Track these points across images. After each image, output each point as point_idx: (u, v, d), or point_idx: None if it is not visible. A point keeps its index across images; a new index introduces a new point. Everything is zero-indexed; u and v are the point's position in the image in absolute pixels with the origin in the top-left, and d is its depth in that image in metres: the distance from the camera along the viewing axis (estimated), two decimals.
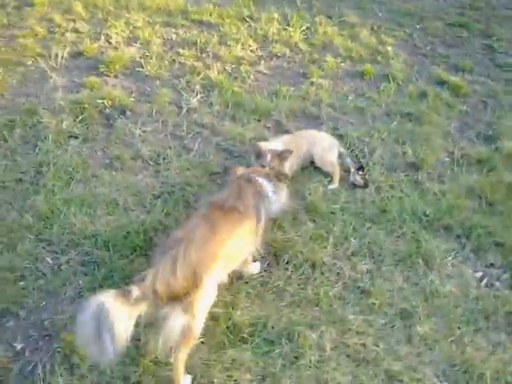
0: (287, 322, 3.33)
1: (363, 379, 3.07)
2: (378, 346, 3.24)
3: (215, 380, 3.02)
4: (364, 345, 3.24)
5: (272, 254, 3.75)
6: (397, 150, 4.67)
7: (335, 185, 4.31)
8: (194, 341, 2.91)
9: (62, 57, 5.69)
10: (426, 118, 5.07)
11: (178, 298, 2.73)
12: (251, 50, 6.02)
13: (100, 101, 5.04)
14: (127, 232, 3.82)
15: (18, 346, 3.15)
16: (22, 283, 3.51)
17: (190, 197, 4.16)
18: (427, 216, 4.05)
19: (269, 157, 3.95)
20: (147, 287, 2.65)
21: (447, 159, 4.64)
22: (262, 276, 3.63)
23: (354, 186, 4.31)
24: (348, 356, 3.19)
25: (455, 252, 3.85)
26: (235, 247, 3.12)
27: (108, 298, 2.50)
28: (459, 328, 3.36)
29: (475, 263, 3.80)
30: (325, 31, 6.42)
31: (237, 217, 3.13)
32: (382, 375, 3.10)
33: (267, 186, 3.50)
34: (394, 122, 5.03)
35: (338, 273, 3.66)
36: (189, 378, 2.98)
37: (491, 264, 3.80)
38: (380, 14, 6.76)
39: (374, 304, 3.46)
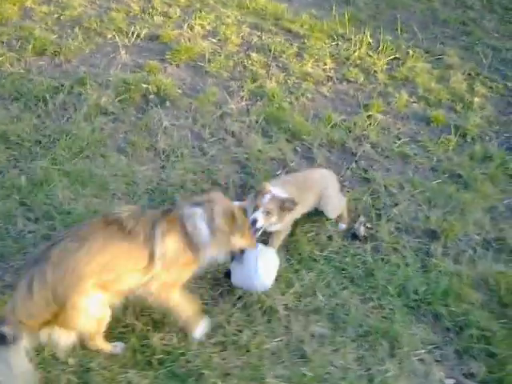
0: (203, 362, 3.00)
1: None
2: None
3: None
4: None
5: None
6: (421, 212, 4.04)
7: (345, 225, 3.89)
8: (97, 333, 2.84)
9: (139, 36, 5.77)
10: (476, 185, 4.33)
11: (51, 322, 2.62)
12: (324, 69, 5.65)
13: (146, 85, 5.03)
14: None
15: None
16: None
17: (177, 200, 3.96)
18: (417, 295, 3.44)
19: (267, 198, 3.45)
20: (11, 319, 2.56)
21: (477, 237, 3.91)
22: (207, 304, 3.33)
23: (354, 236, 3.80)
24: None
25: (434, 346, 3.22)
26: (109, 265, 2.71)
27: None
28: None
29: (453, 367, 3.15)
30: (413, 66, 5.81)
31: (118, 234, 2.74)
32: None
33: (204, 229, 2.91)
34: (436, 181, 4.37)
35: (286, 327, 3.25)
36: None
37: (471, 374, 3.12)
38: (485, 61, 5.96)
39: (305, 375, 2.99)
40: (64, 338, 2.71)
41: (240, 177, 4.23)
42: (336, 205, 3.86)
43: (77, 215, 3.76)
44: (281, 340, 3.17)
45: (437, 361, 3.14)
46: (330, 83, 5.47)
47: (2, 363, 2.51)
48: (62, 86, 5.02)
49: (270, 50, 5.82)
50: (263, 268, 3.16)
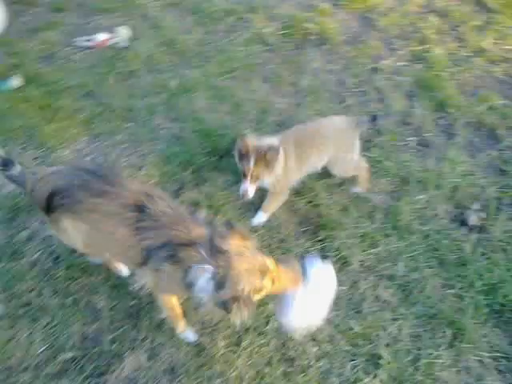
0: None
1: None
2: None
3: None
4: None
5: None
6: None
7: (361, 189, 3.64)
8: None
9: None
10: None
11: None
12: (503, 49, 5.12)
13: (311, 25, 5.09)
14: None
15: None
16: None
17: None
18: (506, 301, 3.13)
19: (252, 162, 3.11)
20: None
21: None
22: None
23: (462, 222, 3.54)
24: None
25: (502, 356, 2.93)
26: None
27: None
28: None
29: None
30: None
31: None
32: None
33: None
34: None
35: (354, 281, 3.22)
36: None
37: None
38: None
39: (352, 329, 2.98)
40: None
41: (367, 132, 4.15)
42: (345, 167, 3.50)
43: (206, 125, 4.06)
44: (343, 289, 3.16)
45: (498, 370, 2.89)
46: (504, 65, 4.97)
47: None
48: (236, 10, 5.30)
49: (451, 17, 5.44)
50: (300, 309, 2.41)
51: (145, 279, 2.48)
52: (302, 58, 4.81)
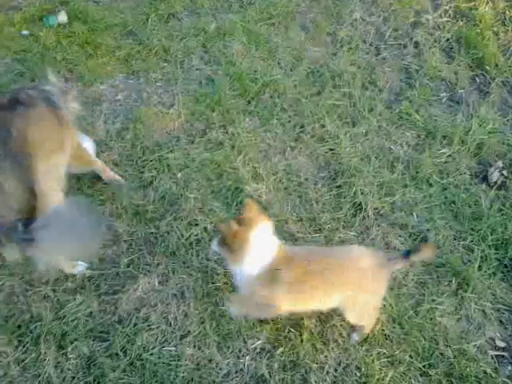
0: None
1: None
2: None
3: None
4: None
5: None
6: None
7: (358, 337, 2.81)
8: None
9: None
10: None
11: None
12: None
13: None
14: None
15: None
16: None
17: None
18: None
19: None
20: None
21: None
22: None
23: (483, 179, 3.52)
24: None
25: (506, 309, 2.97)
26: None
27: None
28: None
29: None
30: None
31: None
32: None
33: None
34: None
35: (367, 227, 3.28)
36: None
37: None
38: None
39: None
40: None
41: (400, 85, 4.12)
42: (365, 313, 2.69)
43: (240, 69, 4.14)
44: (354, 234, 3.23)
45: (500, 321, 2.92)
46: None
47: None
48: None
49: None
50: None
51: None
52: (343, 8, 4.75)
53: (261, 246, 2.44)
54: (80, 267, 2.98)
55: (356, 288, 2.50)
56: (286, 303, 2.56)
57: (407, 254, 2.53)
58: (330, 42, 4.51)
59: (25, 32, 4.44)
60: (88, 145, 3.32)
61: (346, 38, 4.49)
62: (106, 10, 4.73)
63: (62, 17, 4.53)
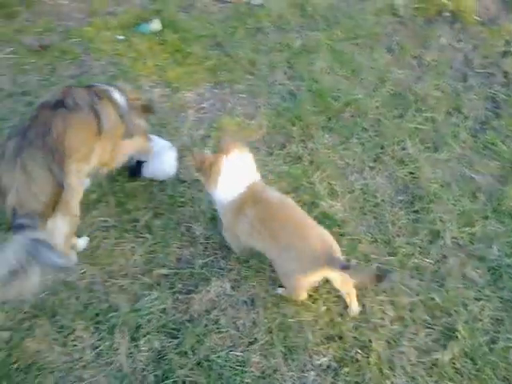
0: None
1: None
2: None
3: None
4: None
5: None
6: None
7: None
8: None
9: None
10: None
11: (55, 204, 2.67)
12: None
13: (447, 2, 4.97)
14: None
15: None
16: None
17: None
18: None
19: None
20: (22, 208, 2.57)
21: None
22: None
23: None
24: None
25: None
26: (78, 142, 2.82)
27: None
28: None
29: None
30: None
31: (67, 112, 2.80)
32: None
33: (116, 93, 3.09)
34: None
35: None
36: (84, 239, 3.16)
37: None
38: None
39: (433, 300, 3.00)
40: (66, 227, 2.79)
41: (486, 114, 4.03)
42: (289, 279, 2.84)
43: (322, 86, 4.20)
44: (430, 261, 3.16)
45: None
46: None
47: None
48: None
49: None
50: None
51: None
52: (431, 33, 4.73)
53: (233, 173, 2.67)
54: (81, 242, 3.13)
55: (300, 254, 2.62)
56: (245, 237, 2.82)
57: (343, 267, 2.57)
58: (415, 65, 4.49)
59: (120, 37, 4.69)
60: (170, 150, 3.46)
61: (432, 63, 4.46)
62: (196, 20, 4.91)
63: (156, 25, 4.74)
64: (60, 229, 2.74)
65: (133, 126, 3.19)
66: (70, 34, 4.74)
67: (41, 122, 2.71)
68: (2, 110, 3.95)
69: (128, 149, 3.25)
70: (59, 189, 2.65)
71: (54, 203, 2.64)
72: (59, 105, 2.81)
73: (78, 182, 2.84)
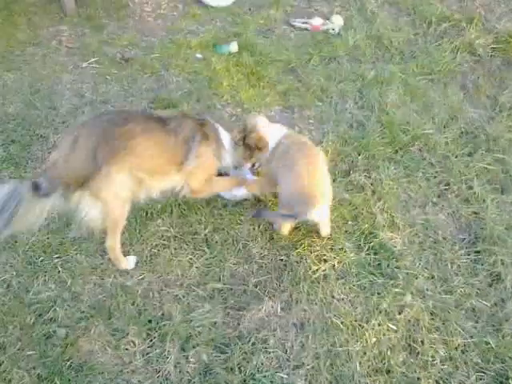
0: None
1: None
2: None
3: None
4: None
5: None
6: None
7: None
8: (116, 224, 3.02)
9: None
10: None
11: (84, 181, 2.76)
12: None
13: None
14: None
15: None
16: None
17: None
18: None
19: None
20: (51, 170, 2.73)
21: None
22: None
23: None
24: None
25: None
26: (145, 153, 2.94)
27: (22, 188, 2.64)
28: None
29: None
30: None
31: (159, 128, 3.01)
32: None
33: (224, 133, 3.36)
34: None
35: None
36: (132, 258, 3.23)
37: None
38: None
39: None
40: (92, 210, 2.86)
41: None
42: None
43: (391, 117, 4.20)
44: (487, 304, 3.07)
45: None
46: None
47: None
48: (452, 17, 5.29)
49: None
50: None
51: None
52: (507, 74, 4.65)
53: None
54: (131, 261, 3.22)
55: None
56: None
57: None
58: (488, 105, 4.41)
59: (199, 55, 4.90)
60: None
61: (506, 104, 4.36)
62: (273, 45, 5.05)
63: (234, 47, 4.91)
64: (86, 207, 2.84)
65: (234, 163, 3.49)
66: (152, 49, 4.99)
67: (130, 119, 2.97)
68: (80, 117, 4.20)
69: (219, 187, 3.49)
70: (94, 172, 2.76)
71: (83, 181, 2.76)
72: (162, 120, 3.06)
73: (122, 179, 2.89)
